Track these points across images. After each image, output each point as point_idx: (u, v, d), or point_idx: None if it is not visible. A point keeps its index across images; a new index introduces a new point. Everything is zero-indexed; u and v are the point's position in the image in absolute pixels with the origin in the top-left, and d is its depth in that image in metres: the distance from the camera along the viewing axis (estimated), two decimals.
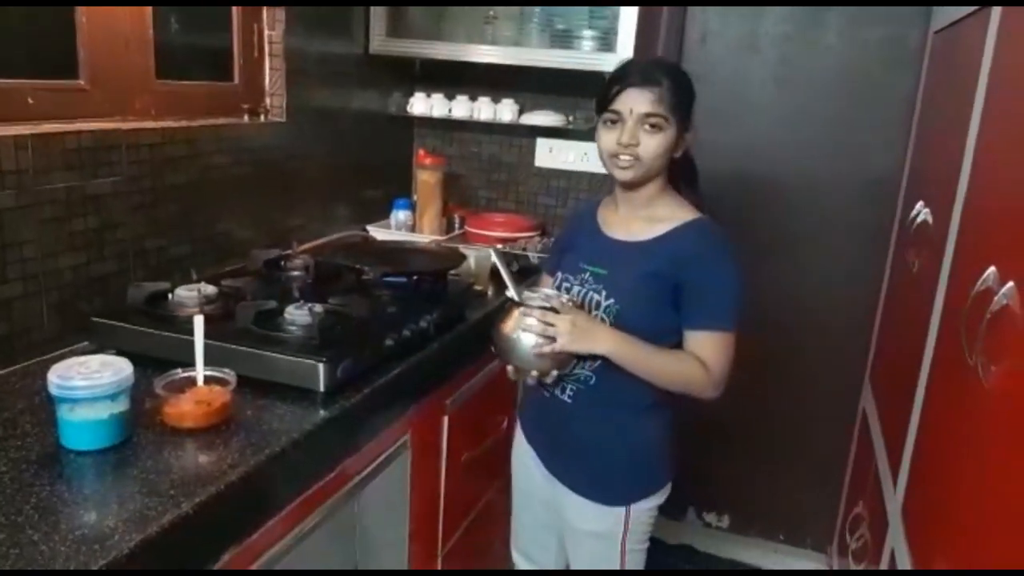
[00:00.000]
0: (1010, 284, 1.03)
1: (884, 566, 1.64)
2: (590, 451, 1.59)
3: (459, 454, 1.92)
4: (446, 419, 1.84)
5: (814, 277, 2.70)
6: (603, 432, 1.58)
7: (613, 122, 1.50)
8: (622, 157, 1.49)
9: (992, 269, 1.12)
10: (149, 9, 1.76)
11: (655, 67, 1.51)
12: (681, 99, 1.49)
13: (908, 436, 1.61)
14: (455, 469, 1.91)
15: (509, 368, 1.53)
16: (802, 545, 2.91)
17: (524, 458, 1.73)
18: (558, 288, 1.60)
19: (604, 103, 1.51)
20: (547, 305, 1.47)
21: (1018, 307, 1.01)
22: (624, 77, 1.49)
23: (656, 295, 1.50)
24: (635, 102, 1.47)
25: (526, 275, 2.14)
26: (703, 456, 2.89)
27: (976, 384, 1.12)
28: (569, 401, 1.58)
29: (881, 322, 2.53)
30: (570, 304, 1.50)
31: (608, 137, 1.50)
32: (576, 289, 1.57)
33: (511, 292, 1.51)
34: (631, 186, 1.55)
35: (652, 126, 1.47)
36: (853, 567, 2.10)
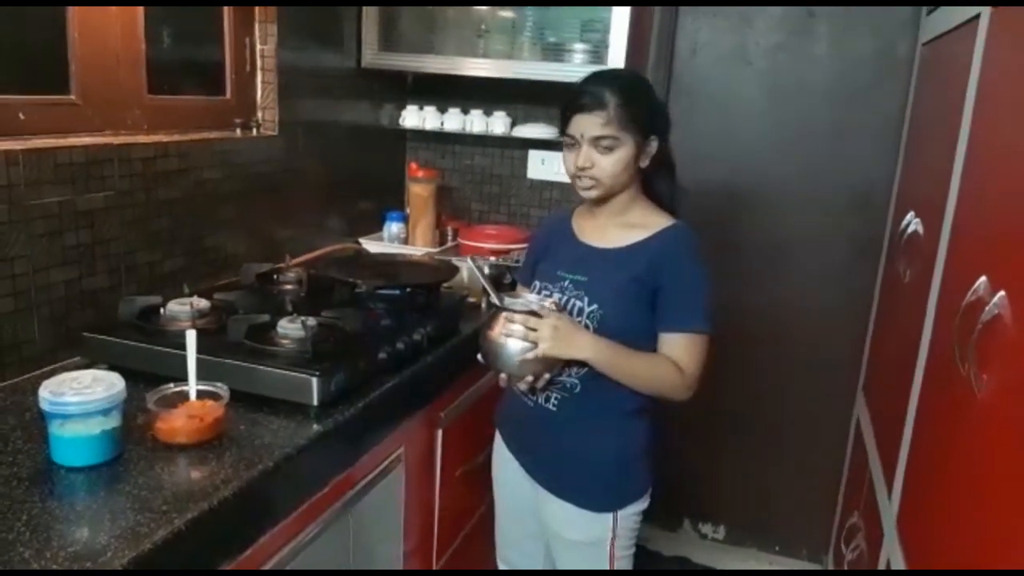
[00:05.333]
0: (1001, 293, 1.04)
1: None
2: (578, 459, 1.60)
3: (453, 468, 1.91)
4: (440, 432, 1.84)
5: (806, 288, 2.71)
6: (590, 439, 1.58)
7: (570, 145, 1.54)
8: (582, 179, 1.54)
9: (983, 279, 1.12)
10: (141, 24, 1.76)
11: (603, 86, 1.50)
12: (634, 113, 1.50)
13: (902, 446, 1.61)
14: (449, 483, 1.90)
15: (502, 376, 1.54)
16: (798, 556, 2.91)
17: (507, 468, 1.73)
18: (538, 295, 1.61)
19: (562, 127, 1.55)
20: (530, 309, 1.48)
21: (1009, 316, 1.01)
22: (573, 101, 1.52)
23: (637, 300, 1.52)
24: (585, 127, 1.50)
25: (518, 287, 2.14)
26: (698, 467, 2.90)
27: (969, 393, 1.12)
28: (554, 410, 1.58)
29: (873, 332, 2.54)
30: (553, 308, 1.51)
31: (569, 159, 1.55)
32: (557, 296, 1.58)
33: (494, 298, 1.52)
34: (599, 201, 1.58)
35: (605, 148, 1.50)
36: None
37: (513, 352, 1.48)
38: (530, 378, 1.50)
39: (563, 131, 1.55)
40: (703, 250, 1.55)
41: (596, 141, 1.50)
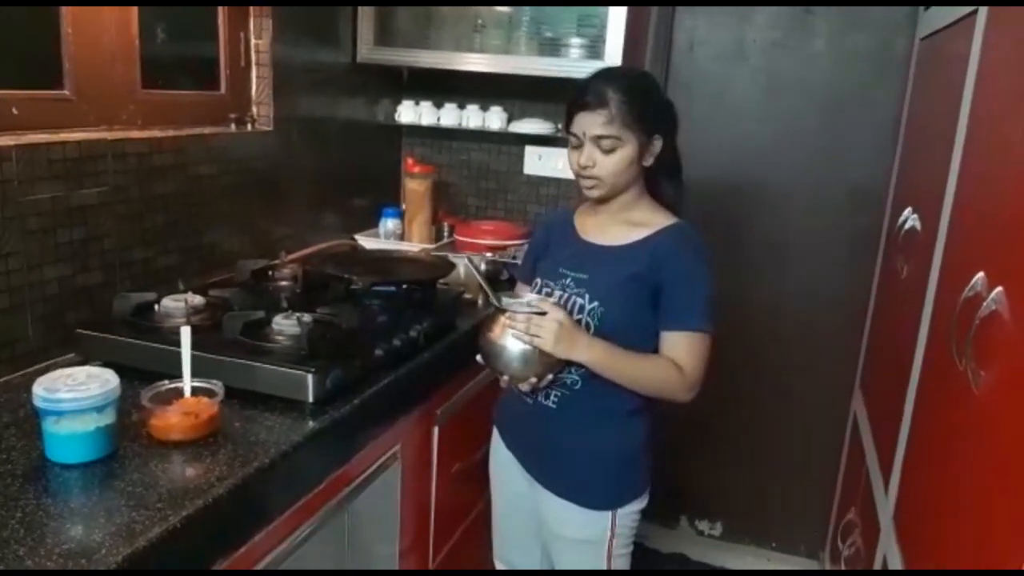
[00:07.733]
0: (999, 289, 1.04)
1: None
2: (577, 456, 1.59)
3: (450, 465, 1.91)
4: (436, 430, 1.83)
5: (803, 284, 2.71)
6: (590, 437, 1.58)
7: (575, 145, 1.54)
8: (584, 179, 1.55)
9: (980, 274, 1.12)
10: (135, 19, 1.75)
11: (606, 85, 1.50)
12: (637, 112, 1.49)
13: (899, 442, 1.61)
14: (446, 480, 1.90)
15: (504, 378, 1.53)
16: (795, 552, 2.91)
17: (506, 465, 1.72)
18: (539, 294, 1.60)
19: (566, 125, 1.55)
20: (534, 309, 1.48)
21: (1007, 312, 1.01)
22: (576, 100, 1.52)
23: (637, 298, 1.52)
24: (587, 125, 1.50)
25: (516, 284, 2.14)
26: (695, 464, 2.90)
27: (966, 389, 1.12)
28: (554, 407, 1.58)
29: (871, 328, 2.54)
30: (555, 305, 1.50)
31: (572, 158, 1.56)
32: (558, 294, 1.57)
33: (493, 299, 1.52)
34: (602, 199, 1.58)
35: (606, 148, 1.50)
36: None
37: (515, 354, 1.47)
38: (534, 379, 1.50)
39: (567, 129, 1.55)
40: (705, 249, 1.55)
41: (597, 140, 1.49)
